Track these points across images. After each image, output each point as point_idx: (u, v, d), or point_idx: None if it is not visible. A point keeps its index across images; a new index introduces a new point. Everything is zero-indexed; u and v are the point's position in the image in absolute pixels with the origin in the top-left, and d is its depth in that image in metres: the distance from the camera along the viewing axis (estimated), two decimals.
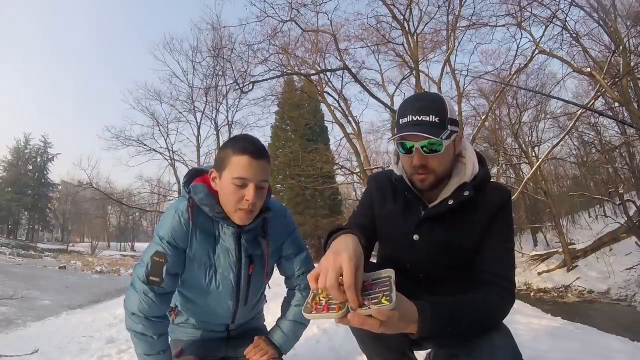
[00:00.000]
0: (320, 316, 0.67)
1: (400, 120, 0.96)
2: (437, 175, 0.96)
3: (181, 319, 1.31)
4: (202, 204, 1.08)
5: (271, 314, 1.52)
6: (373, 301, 0.66)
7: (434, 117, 0.92)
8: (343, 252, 0.69)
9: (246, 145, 1.03)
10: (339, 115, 12.51)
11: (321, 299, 0.71)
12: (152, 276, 1.05)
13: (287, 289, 1.32)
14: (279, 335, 1.23)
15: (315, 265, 1.29)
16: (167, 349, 1.13)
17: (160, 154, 17.39)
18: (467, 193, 0.95)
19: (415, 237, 1.01)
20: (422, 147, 0.92)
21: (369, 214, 1.12)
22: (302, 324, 1.26)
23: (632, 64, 8.66)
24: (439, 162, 0.94)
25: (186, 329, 1.32)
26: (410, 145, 0.93)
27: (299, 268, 1.25)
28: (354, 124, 12.44)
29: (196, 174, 1.16)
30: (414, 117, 0.93)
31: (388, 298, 0.66)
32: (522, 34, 9.63)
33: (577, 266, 10.80)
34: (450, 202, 0.96)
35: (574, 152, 16.79)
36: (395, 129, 0.98)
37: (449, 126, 0.93)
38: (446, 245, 0.98)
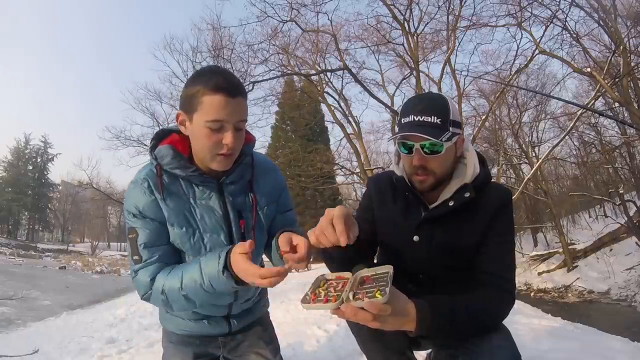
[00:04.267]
0: (316, 306, 0.70)
1: (402, 120, 0.96)
2: (437, 177, 0.96)
3: None
4: (172, 169, 0.97)
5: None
6: (367, 294, 0.68)
7: (435, 118, 0.91)
8: (333, 209, 0.78)
9: (219, 81, 0.88)
10: (339, 115, 12.49)
11: (320, 291, 0.73)
12: (134, 256, 0.97)
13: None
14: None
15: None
16: (198, 261, 0.92)
17: None
18: (467, 194, 0.95)
19: (415, 238, 1.01)
20: (422, 148, 0.92)
21: (368, 218, 1.12)
22: None
23: (632, 64, 8.65)
24: (438, 163, 0.94)
25: (180, 318, 1.15)
26: (411, 145, 0.93)
27: (289, 224, 1.14)
28: (354, 124, 12.42)
29: (163, 136, 1.03)
30: (415, 117, 0.93)
31: (382, 292, 0.67)
32: (522, 34, 9.59)
33: (577, 266, 10.79)
34: (451, 203, 0.96)
35: (574, 152, 16.79)
36: (397, 128, 0.98)
37: (451, 128, 0.93)
38: (446, 246, 0.98)
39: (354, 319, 0.66)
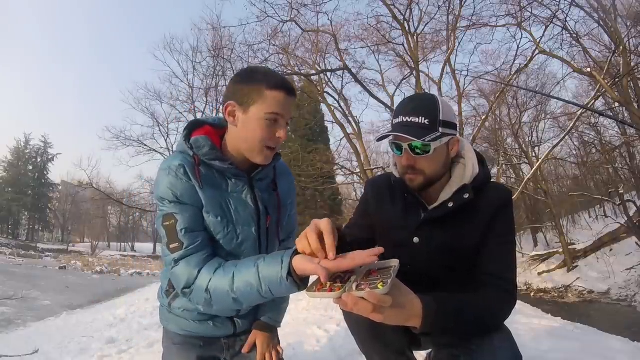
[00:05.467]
0: (321, 295, 0.71)
1: (394, 121, 0.97)
2: (427, 176, 0.96)
3: (181, 303, 1.10)
4: (209, 159, 0.99)
5: None
6: (370, 285, 0.68)
7: (423, 118, 0.92)
8: (318, 220, 0.75)
9: (279, 79, 0.97)
10: (339, 115, 12.47)
11: (326, 281, 0.74)
12: (172, 243, 0.94)
13: None
14: (270, 313, 1.18)
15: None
16: (254, 264, 0.86)
17: (160, 154, 17.35)
18: (466, 195, 0.95)
19: (415, 240, 1.01)
20: (411, 148, 0.93)
21: (363, 224, 1.12)
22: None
23: (632, 64, 8.66)
24: (427, 163, 0.95)
25: (183, 319, 1.12)
26: (401, 145, 0.95)
27: (291, 227, 1.23)
28: (354, 124, 12.40)
29: (196, 126, 1.05)
30: (404, 118, 0.94)
31: (384, 283, 0.67)
32: (522, 34, 9.61)
33: (577, 266, 10.80)
34: (450, 205, 0.96)
35: (574, 152, 16.80)
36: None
37: (441, 128, 0.93)
38: (446, 247, 0.98)
39: (355, 310, 0.66)
